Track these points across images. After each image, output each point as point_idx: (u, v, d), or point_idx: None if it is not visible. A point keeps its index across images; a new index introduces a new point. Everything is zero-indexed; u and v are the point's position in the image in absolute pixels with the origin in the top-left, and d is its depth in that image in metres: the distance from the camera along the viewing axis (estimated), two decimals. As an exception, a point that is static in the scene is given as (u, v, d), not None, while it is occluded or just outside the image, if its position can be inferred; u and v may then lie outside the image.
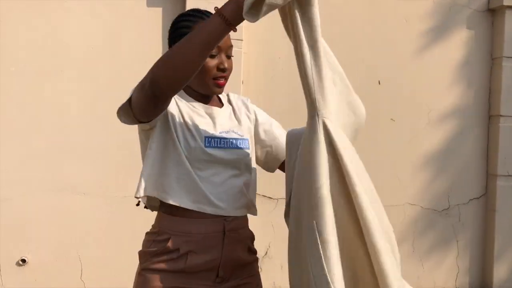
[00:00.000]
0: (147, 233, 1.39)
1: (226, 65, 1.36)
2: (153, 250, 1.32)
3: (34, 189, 3.05)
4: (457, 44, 3.55)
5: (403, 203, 3.50)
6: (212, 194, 1.32)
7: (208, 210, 1.32)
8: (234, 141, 1.37)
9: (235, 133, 1.39)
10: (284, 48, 3.30)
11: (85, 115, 3.08)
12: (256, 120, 1.52)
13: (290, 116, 3.36)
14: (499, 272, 3.53)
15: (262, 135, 1.51)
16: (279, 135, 1.52)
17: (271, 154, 1.52)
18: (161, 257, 1.30)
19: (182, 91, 1.40)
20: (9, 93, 3.00)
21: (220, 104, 1.47)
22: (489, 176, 3.60)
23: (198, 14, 1.40)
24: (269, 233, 3.30)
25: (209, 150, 1.32)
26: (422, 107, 3.51)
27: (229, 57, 1.40)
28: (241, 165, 1.39)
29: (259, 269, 1.65)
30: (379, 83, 3.45)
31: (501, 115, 3.49)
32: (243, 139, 1.41)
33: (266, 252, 3.32)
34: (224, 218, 1.34)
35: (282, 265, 3.32)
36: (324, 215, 1.13)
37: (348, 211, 1.17)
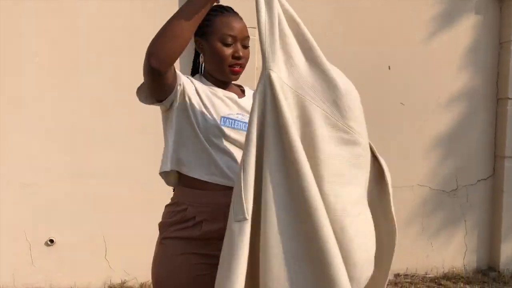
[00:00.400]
0: (166, 206, 1.50)
1: (241, 53, 1.46)
2: (172, 220, 1.43)
3: (58, 175, 3.18)
4: (466, 30, 3.62)
5: (413, 184, 3.61)
6: (224, 166, 1.42)
7: (221, 181, 1.42)
8: (245, 124, 1.46)
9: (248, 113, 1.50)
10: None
11: (104, 105, 3.20)
12: None
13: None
14: (506, 251, 3.65)
15: None
16: None
17: None
18: (179, 225, 1.41)
19: (203, 78, 1.52)
20: (33, 83, 3.13)
21: (242, 95, 1.57)
22: (496, 157, 3.69)
23: (213, 11, 1.44)
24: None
25: (224, 128, 1.43)
26: (431, 91, 3.60)
27: (245, 47, 1.49)
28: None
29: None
30: (389, 68, 3.54)
31: (509, 98, 3.58)
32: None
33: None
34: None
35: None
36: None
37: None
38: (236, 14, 1.49)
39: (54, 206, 3.17)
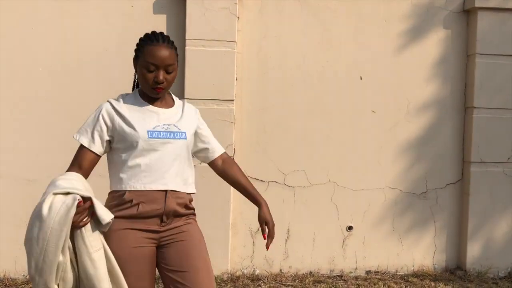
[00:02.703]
0: (109, 193, 1.82)
1: (161, 78, 1.73)
2: (113, 203, 1.74)
3: (59, 171, 3.51)
4: (435, 42, 3.87)
5: (384, 187, 3.86)
6: (152, 175, 1.74)
7: (154, 187, 1.75)
8: (170, 134, 1.78)
9: (176, 127, 1.81)
10: (275, 47, 3.71)
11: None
12: (198, 126, 1.94)
13: (281, 110, 3.78)
14: (472, 250, 3.86)
15: (201, 137, 1.95)
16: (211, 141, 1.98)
17: (206, 152, 1.98)
18: (119, 207, 1.72)
19: (137, 93, 1.85)
20: (35, 83, 3.50)
21: (170, 106, 1.88)
22: (464, 163, 3.92)
23: (144, 38, 1.79)
24: (261, 212, 3.72)
25: (151, 140, 1.74)
26: (402, 99, 3.85)
27: (168, 72, 1.77)
28: (177, 151, 1.79)
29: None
30: (361, 78, 3.81)
31: (474, 107, 3.81)
32: (181, 131, 1.81)
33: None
34: (165, 191, 1.77)
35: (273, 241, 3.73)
36: None
37: None
38: (163, 43, 1.75)
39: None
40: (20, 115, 3.50)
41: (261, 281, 3.60)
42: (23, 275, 3.52)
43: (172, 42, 1.82)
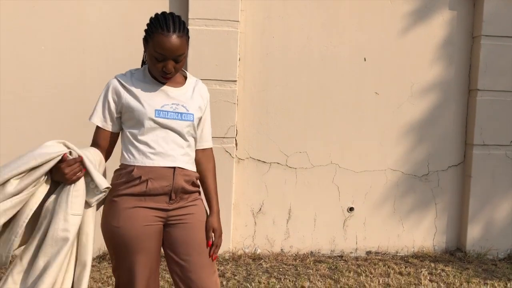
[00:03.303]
0: (115, 170, 1.82)
1: (169, 68, 1.72)
2: (122, 180, 1.74)
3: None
4: (440, 24, 3.83)
5: (385, 169, 3.87)
6: (161, 153, 1.76)
7: (162, 164, 1.76)
8: (178, 115, 1.79)
9: (184, 108, 1.81)
10: (278, 27, 3.69)
11: (100, 89, 3.55)
12: (206, 108, 1.94)
13: (284, 91, 3.77)
14: (472, 232, 3.89)
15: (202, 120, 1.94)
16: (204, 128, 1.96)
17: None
18: (128, 184, 1.73)
19: (146, 70, 1.84)
20: (40, 66, 3.50)
21: (181, 84, 1.87)
22: (467, 145, 3.91)
23: (155, 23, 1.75)
24: (263, 192, 3.75)
25: (158, 119, 1.76)
26: (405, 81, 3.84)
27: (177, 61, 1.75)
28: (184, 131, 1.80)
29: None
30: (365, 60, 3.79)
31: (478, 89, 3.79)
32: (188, 113, 1.81)
33: (260, 209, 3.77)
34: (174, 167, 1.78)
35: (274, 220, 3.78)
36: None
37: None
38: (174, 32, 1.69)
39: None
40: (24, 97, 3.50)
41: (263, 260, 3.65)
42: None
43: (184, 25, 1.75)
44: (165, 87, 1.82)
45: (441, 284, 3.29)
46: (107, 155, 1.83)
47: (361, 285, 3.23)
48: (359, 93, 3.80)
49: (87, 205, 1.64)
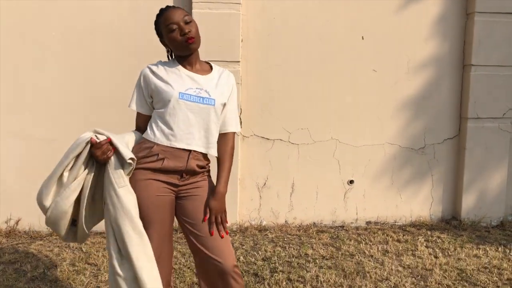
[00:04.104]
0: (137, 144, 2.00)
1: (185, 29, 1.92)
2: (141, 154, 1.95)
3: (75, 132, 3.72)
4: (435, 1, 3.96)
5: (383, 143, 4.05)
6: (180, 135, 1.93)
7: (178, 145, 1.94)
8: (201, 99, 1.95)
9: (206, 92, 1.97)
10: (279, 8, 3.82)
11: (111, 70, 3.72)
12: (230, 96, 2.08)
13: (286, 70, 3.92)
14: (467, 201, 4.08)
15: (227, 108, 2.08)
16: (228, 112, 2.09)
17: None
18: (146, 159, 1.92)
19: (175, 61, 2.02)
20: (52, 51, 3.66)
21: (207, 72, 2.03)
22: (461, 119, 4.08)
23: (156, 16, 1.98)
24: (267, 167, 3.94)
25: (180, 102, 1.92)
26: (402, 58, 3.98)
27: (187, 22, 1.93)
28: (204, 116, 1.96)
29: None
30: (363, 38, 3.93)
31: (472, 65, 3.93)
32: (210, 98, 1.97)
33: (265, 183, 3.96)
34: (190, 150, 1.96)
35: (278, 194, 3.98)
36: None
37: None
38: (170, 7, 1.96)
39: (71, 159, 3.74)
40: (37, 78, 3.67)
41: (268, 231, 3.86)
42: (47, 228, 3.79)
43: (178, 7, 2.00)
44: (192, 74, 1.99)
45: (437, 250, 3.50)
46: None
47: (361, 252, 3.44)
48: (358, 70, 3.95)
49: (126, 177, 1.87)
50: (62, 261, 3.20)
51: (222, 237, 1.96)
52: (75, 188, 1.82)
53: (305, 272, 3.07)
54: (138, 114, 2.05)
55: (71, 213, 1.86)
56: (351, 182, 4.06)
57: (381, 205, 4.11)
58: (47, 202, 1.85)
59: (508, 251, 3.47)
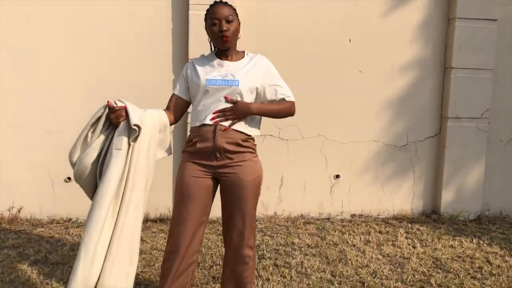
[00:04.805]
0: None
1: (224, 28, 2.16)
2: (187, 140, 2.28)
3: (77, 125, 3.91)
4: (419, 6, 4.18)
5: (368, 140, 4.27)
6: (205, 114, 2.17)
7: (203, 122, 2.18)
8: (226, 82, 2.19)
9: (232, 76, 2.20)
10: (270, 10, 4.02)
11: (111, 67, 3.91)
12: (266, 75, 2.29)
13: (277, 70, 4.11)
14: (446, 196, 4.32)
15: (265, 86, 2.29)
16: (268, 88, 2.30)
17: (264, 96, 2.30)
18: (188, 143, 2.25)
19: (213, 53, 2.30)
20: (57, 47, 3.85)
21: (239, 59, 2.27)
22: (442, 118, 4.31)
23: (211, 5, 2.23)
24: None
25: (207, 87, 2.17)
26: (387, 60, 4.20)
27: (229, 21, 2.18)
28: (230, 96, 2.18)
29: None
30: (350, 41, 4.15)
31: (453, 67, 4.17)
32: (234, 80, 2.19)
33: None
34: (215, 125, 2.18)
35: (268, 187, 4.18)
36: None
37: None
38: (219, 2, 2.21)
39: (71, 151, 3.94)
40: (40, 73, 3.86)
41: (258, 222, 4.07)
42: (47, 216, 3.99)
43: (227, 3, 2.24)
44: (223, 62, 2.24)
45: (415, 240, 3.73)
46: (174, 116, 2.31)
47: (344, 242, 3.66)
48: (345, 71, 4.17)
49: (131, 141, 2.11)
50: (63, 246, 3.40)
51: (212, 118, 2.17)
52: (96, 147, 2.08)
53: (291, 258, 3.29)
54: (172, 95, 2.33)
55: (94, 169, 2.10)
56: (337, 176, 4.28)
57: (365, 199, 4.33)
58: (74, 159, 2.10)
59: (481, 243, 3.71)
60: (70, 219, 4.00)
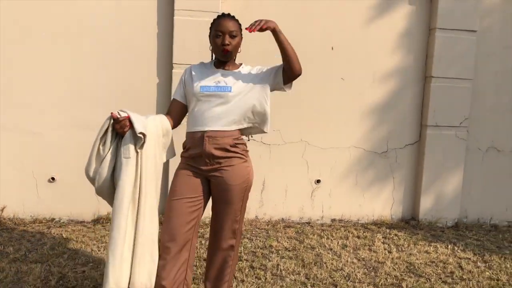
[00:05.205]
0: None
1: (226, 42, 2.26)
2: (183, 145, 2.40)
3: (59, 126, 4.00)
4: (400, 17, 4.28)
5: (349, 146, 4.35)
6: (199, 118, 2.29)
7: (196, 128, 2.30)
8: (219, 88, 2.30)
9: (224, 83, 2.31)
10: (255, 17, 4.09)
11: (97, 69, 3.98)
12: (258, 72, 2.40)
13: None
14: (425, 203, 4.40)
15: (267, 75, 2.39)
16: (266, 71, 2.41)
17: (274, 77, 2.40)
18: (183, 149, 2.39)
19: (212, 62, 2.39)
20: (40, 50, 3.91)
21: (235, 68, 2.38)
22: (422, 126, 4.40)
23: (217, 17, 2.33)
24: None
25: (201, 94, 2.29)
26: (369, 68, 4.29)
27: (232, 36, 2.28)
28: (222, 101, 2.28)
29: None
30: (332, 49, 4.23)
31: (433, 76, 4.26)
32: (226, 86, 2.30)
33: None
34: (205, 131, 2.29)
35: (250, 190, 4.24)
36: None
37: None
38: (226, 16, 2.31)
39: (56, 151, 3.99)
40: (25, 74, 3.91)
41: (238, 225, 4.13)
42: (30, 216, 4.03)
43: (234, 17, 2.34)
44: (220, 70, 2.35)
45: (392, 246, 3.80)
46: (174, 121, 2.41)
47: (322, 245, 3.73)
48: (327, 78, 4.25)
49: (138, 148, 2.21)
50: (43, 245, 3.45)
51: (248, 29, 2.22)
52: (109, 158, 2.18)
53: (268, 261, 3.35)
54: (172, 99, 2.44)
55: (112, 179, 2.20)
56: (318, 181, 4.35)
57: (345, 204, 4.40)
58: (91, 173, 2.21)
59: (456, 248, 3.79)
60: (53, 219, 4.04)
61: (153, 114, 2.35)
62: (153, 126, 2.27)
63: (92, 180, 2.22)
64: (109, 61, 3.96)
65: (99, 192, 2.22)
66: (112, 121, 2.16)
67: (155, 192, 2.26)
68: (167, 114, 2.42)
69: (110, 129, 2.18)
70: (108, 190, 2.20)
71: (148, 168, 2.21)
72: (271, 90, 2.42)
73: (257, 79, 2.38)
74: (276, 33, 2.28)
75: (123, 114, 2.16)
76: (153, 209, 2.23)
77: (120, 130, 2.16)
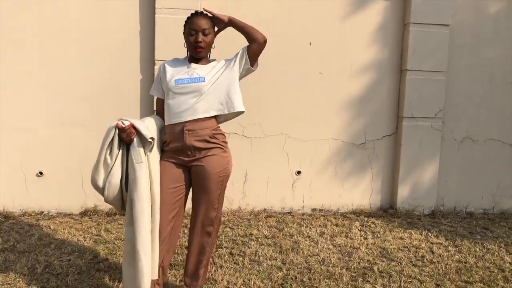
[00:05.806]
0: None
1: (199, 39, 2.41)
2: (163, 140, 2.51)
3: (47, 122, 4.12)
4: (376, 12, 4.42)
5: (328, 138, 4.49)
6: (176, 111, 2.42)
7: (174, 121, 2.43)
8: (192, 79, 2.43)
9: (197, 74, 2.44)
10: (235, 15, 4.22)
11: (83, 67, 4.11)
12: (226, 62, 2.56)
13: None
14: (402, 192, 4.55)
15: (236, 61, 2.57)
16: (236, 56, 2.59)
17: (240, 60, 2.59)
18: (164, 143, 2.51)
19: (186, 58, 2.53)
20: (28, 49, 4.04)
21: (206, 63, 2.53)
22: (399, 118, 4.55)
23: (190, 15, 2.47)
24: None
25: (176, 87, 2.41)
26: (345, 62, 4.43)
27: (205, 35, 2.44)
28: (197, 92, 2.42)
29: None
30: (310, 44, 4.37)
31: (408, 69, 4.40)
32: (200, 77, 2.43)
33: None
34: (184, 123, 2.42)
35: (233, 182, 4.39)
36: None
37: None
38: (199, 14, 2.46)
39: (44, 146, 4.12)
40: (12, 71, 4.04)
41: (222, 216, 4.27)
42: (19, 209, 4.16)
43: (207, 15, 2.49)
44: (193, 65, 2.49)
45: (368, 233, 3.95)
46: (163, 117, 2.53)
47: (300, 233, 3.88)
48: (305, 73, 4.39)
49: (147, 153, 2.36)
50: (31, 236, 3.59)
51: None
52: (118, 165, 2.30)
53: (247, 248, 3.49)
54: (156, 99, 2.59)
55: (120, 185, 2.34)
56: (299, 173, 4.49)
57: (325, 194, 4.55)
58: (100, 183, 2.31)
59: (430, 234, 3.94)
60: (41, 212, 4.18)
61: (148, 117, 2.52)
62: (151, 125, 2.44)
63: (101, 189, 2.33)
64: (94, 58, 4.08)
65: (108, 200, 2.35)
66: (117, 130, 2.27)
67: (159, 189, 2.41)
68: (157, 114, 2.58)
69: (116, 138, 2.28)
70: (118, 196, 2.34)
71: (155, 168, 2.38)
72: (242, 76, 2.60)
73: (226, 65, 2.54)
74: (233, 23, 2.52)
75: (126, 123, 2.28)
76: (158, 207, 2.40)
77: (126, 139, 2.28)
